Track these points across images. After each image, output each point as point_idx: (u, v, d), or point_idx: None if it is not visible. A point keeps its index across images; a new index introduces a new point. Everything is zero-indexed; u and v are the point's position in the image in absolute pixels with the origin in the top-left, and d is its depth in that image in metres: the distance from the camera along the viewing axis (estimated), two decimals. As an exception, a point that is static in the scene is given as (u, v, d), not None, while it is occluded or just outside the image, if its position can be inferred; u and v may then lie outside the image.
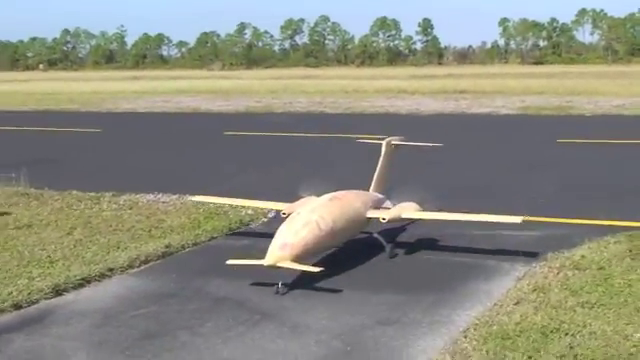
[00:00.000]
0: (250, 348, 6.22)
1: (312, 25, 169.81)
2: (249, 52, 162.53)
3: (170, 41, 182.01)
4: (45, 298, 7.54)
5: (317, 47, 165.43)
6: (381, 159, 10.53)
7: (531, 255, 8.83)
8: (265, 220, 11.02)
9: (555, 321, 6.48)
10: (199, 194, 12.11)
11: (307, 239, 8.10)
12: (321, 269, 7.82)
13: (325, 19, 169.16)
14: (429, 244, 9.45)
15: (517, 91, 41.11)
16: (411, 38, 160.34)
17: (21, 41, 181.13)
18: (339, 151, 19.26)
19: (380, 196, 10.20)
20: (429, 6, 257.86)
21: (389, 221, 9.16)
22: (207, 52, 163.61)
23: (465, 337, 6.26)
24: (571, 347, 5.94)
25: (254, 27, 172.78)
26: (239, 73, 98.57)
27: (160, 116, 32.37)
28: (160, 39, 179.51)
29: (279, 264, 7.69)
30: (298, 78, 68.26)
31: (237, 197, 11.76)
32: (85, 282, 8.01)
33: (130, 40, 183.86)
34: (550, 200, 12.42)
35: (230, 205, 11.09)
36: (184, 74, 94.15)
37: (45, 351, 6.23)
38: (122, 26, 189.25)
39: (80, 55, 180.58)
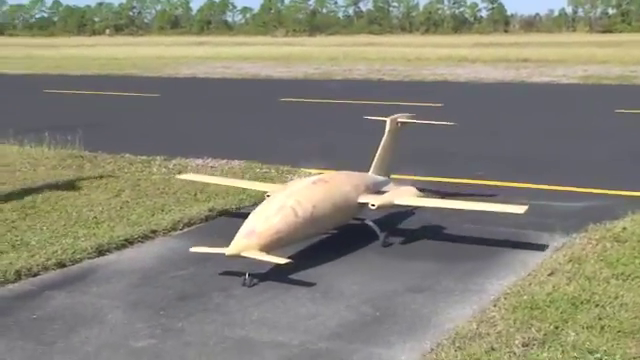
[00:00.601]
0: (280, 311, 6.31)
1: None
2: (313, 19, 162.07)
3: (234, 7, 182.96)
4: (88, 257, 7.70)
5: (381, 14, 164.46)
6: (384, 138, 9.51)
7: (571, 226, 8.74)
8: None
9: (587, 292, 6.42)
10: (246, 159, 12.36)
11: (279, 226, 7.16)
12: (289, 261, 7.02)
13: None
14: (467, 213, 9.04)
15: (581, 60, 40.50)
16: (477, 5, 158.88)
17: (88, 6, 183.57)
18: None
19: (380, 178, 9.28)
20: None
21: (379, 208, 8.22)
22: (271, 18, 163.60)
23: (494, 306, 6.26)
24: (599, 318, 5.89)
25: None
26: (302, 40, 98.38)
27: (219, 82, 32.63)
28: (224, 5, 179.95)
29: (243, 254, 6.90)
30: (361, 45, 68.04)
31: (283, 164, 11.95)
32: (128, 243, 8.14)
33: (195, 6, 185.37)
34: (597, 171, 12.30)
35: (230, 185, 10.31)
36: (248, 40, 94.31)
37: (83, 308, 6.37)
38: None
39: (146, 20, 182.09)
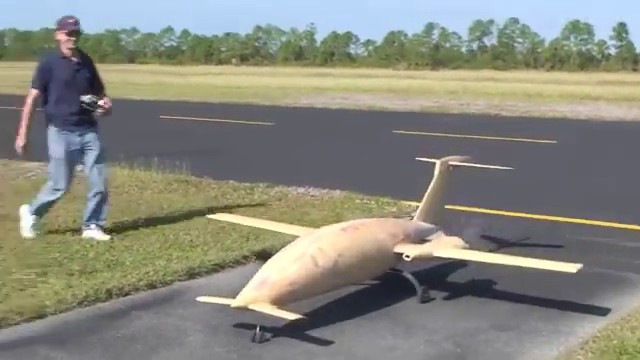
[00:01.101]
0: (361, 341, 6.26)
1: (501, 27, 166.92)
2: (436, 52, 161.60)
3: (358, 40, 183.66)
4: (179, 280, 7.80)
5: (506, 49, 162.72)
6: (433, 181, 8.63)
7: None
8: (408, 219, 11.00)
9: (681, 341, 6.16)
10: (348, 189, 12.36)
11: (295, 277, 6.36)
12: (302, 317, 6.27)
13: (515, 21, 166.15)
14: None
15: None
16: (604, 43, 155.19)
17: (215, 36, 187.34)
18: (503, 153, 18.98)
19: (426, 226, 8.32)
20: (624, 10, 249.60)
21: (415, 259, 7.26)
22: (394, 51, 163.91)
23: (582, 349, 6.05)
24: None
25: (442, 27, 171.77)
26: (423, 73, 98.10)
27: (335, 112, 32.88)
28: (348, 37, 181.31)
29: (251, 306, 6.13)
30: (482, 80, 67.38)
31: (384, 195, 11.90)
32: (219, 267, 8.22)
33: (319, 38, 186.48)
34: None
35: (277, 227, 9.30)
36: (369, 72, 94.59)
37: (167, 329, 6.44)
38: (312, 23, 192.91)
39: (271, 51, 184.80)
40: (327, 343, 6.21)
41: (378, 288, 7.69)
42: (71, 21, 9.13)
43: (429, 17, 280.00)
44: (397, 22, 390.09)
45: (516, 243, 9.62)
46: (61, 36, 9.13)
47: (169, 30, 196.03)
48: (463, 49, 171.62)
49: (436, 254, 7.45)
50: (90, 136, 9.35)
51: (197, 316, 6.83)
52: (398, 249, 7.32)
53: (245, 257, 8.58)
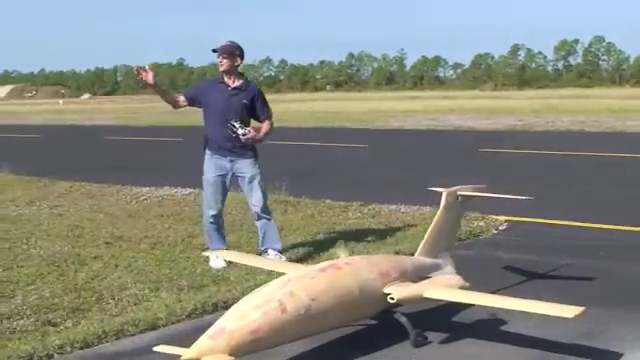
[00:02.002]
0: (448, 352, 6.27)
1: (586, 46, 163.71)
2: (522, 73, 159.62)
3: (446, 63, 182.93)
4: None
5: (591, 67, 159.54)
6: (439, 213, 7.39)
7: None
8: (495, 232, 10.98)
9: None
10: (434, 205, 12.30)
11: (257, 325, 5.39)
12: None
13: (600, 39, 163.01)
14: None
15: None
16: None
17: (311, 64, 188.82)
18: (590, 169, 18.70)
19: (430, 262, 7.18)
20: None
21: (401, 302, 6.25)
22: (481, 73, 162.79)
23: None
24: None
25: (528, 48, 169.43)
26: (509, 93, 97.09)
27: (424, 133, 32.80)
28: (437, 61, 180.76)
29: (205, 358, 5.21)
30: (567, 98, 66.30)
31: (472, 211, 11.82)
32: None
33: (409, 62, 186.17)
34: None
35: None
36: (457, 94, 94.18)
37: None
38: (402, 49, 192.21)
39: (363, 77, 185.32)
40: (409, 352, 6.24)
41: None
42: (224, 44, 8.84)
43: (515, 38, 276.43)
44: (484, 45, 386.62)
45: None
46: (218, 59, 8.87)
47: (268, 61, 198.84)
48: (549, 68, 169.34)
49: (426, 295, 6.33)
50: (242, 163, 9.06)
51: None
52: (388, 289, 6.25)
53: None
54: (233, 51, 8.81)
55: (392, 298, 6.17)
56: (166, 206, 13.41)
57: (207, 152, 9.13)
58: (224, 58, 8.76)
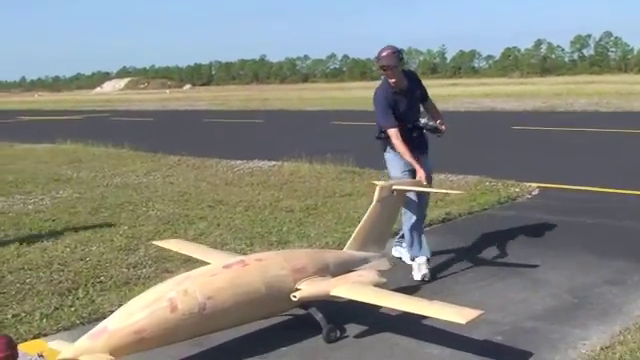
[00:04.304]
0: (496, 296, 6.10)
1: (597, 39, 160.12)
2: (544, 63, 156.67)
3: (480, 55, 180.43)
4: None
5: (601, 57, 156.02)
6: (371, 207, 6.01)
7: None
8: (529, 197, 10.67)
9: None
10: (479, 174, 12.05)
11: (143, 324, 4.37)
12: None
13: (608, 34, 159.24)
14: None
15: None
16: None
17: (369, 59, 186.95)
18: (604, 142, 18.15)
19: (359, 255, 5.84)
20: None
21: (304, 300, 5.04)
22: (509, 64, 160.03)
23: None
24: None
25: (549, 42, 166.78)
26: (534, 80, 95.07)
27: (463, 114, 32.20)
28: (472, 54, 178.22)
29: (82, 358, 4.17)
30: (582, 83, 64.60)
31: (509, 179, 11.56)
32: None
33: (449, 55, 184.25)
34: None
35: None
36: (489, 81, 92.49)
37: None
38: (443, 45, 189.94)
39: (411, 68, 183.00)
40: (471, 295, 6.09)
41: (503, 253, 7.50)
42: (383, 54, 6.49)
43: (538, 34, 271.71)
44: (512, 40, 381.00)
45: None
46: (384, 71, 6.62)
47: (333, 56, 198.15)
48: (566, 59, 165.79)
49: (333, 293, 5.10)
50: (423, 159, 6.79)
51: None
52: (299, 286, 5.10)
53: (395, 234, 8.44)
54: (397, 61, 6.47)
55: (294, 296, 4.97)
56: (256, 176, 13.38)
57: (390, 152, 6.88)
58: (390, 70, 6.49)
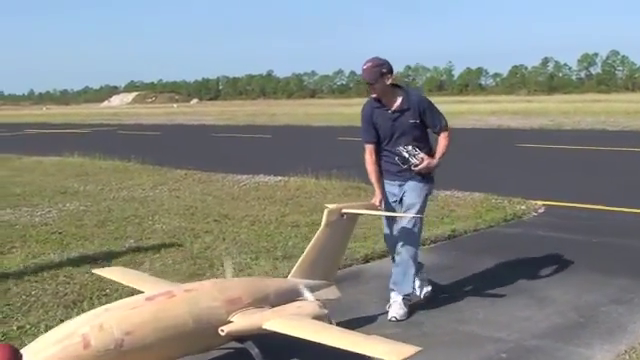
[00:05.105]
0: (501, 313, 6.08)
1: (604, 58, 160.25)
2: (551, 81, 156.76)
3: (487, 73, 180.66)
4: (356, 263, 7.87)
5: (608, 76, 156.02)
6: (319, 232, 5.54)
7: None
8: (535, 214, 10.66)
9: None
10: (484, 192, 12.05)
11: None
12: None
13: (615, 53, 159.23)
14: None
15: None
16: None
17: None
18: (609, 163, 18.12)
19: (304, 283, 5.30)
20: None
21: (232, 334, 4.53)
22: (516, 81, 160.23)
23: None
24: None
25: (555, 61, 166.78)
26: (541, 98, 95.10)
27: (469, 131, 32.19)
28: (479, 72, 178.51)
29: None
30: (589, 102, 64.56)
31: (515, 196, 11.55)
32: (387, 254, 8.17)
33: (456, 72, 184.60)
34: None
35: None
36: (496, 99, 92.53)
37: (349, 300, 6.36)
38: (450, 62, 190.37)
39: (418, 85, 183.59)
40: (476, 313, 6.08)
41: (507, 269, 7.49)
42: (365, 66, 5.92)
43: (545, 52, 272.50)
44: (519, 57, 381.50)
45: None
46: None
47: (340, 72, 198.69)
48: (573, 77, 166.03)
49: (265, 326, 4.58)
50: (408, 185, 6.07)
51: (371, 291, 6.85)
52: (233, 318, 4.62)
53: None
54: (377, 76, 5.86)
55: (222, 330, 4.47)
56: (261, 190, 13.39)
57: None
58: (370, 85, 5.93)
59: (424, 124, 5.99)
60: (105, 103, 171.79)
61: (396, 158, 5.98)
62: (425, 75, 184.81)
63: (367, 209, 5.99)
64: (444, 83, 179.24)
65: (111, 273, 6.04)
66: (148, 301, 4.42)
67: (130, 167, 18.02)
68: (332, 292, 5.60)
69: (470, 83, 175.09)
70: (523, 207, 10.84)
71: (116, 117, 65.91)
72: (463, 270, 7.54)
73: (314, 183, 13.80)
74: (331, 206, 5.57)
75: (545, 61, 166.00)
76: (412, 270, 6.12)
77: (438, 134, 6.07)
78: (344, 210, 5.58)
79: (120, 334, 4.09)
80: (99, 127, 47.39)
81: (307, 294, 5.17)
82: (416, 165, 5.91)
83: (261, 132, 35.07)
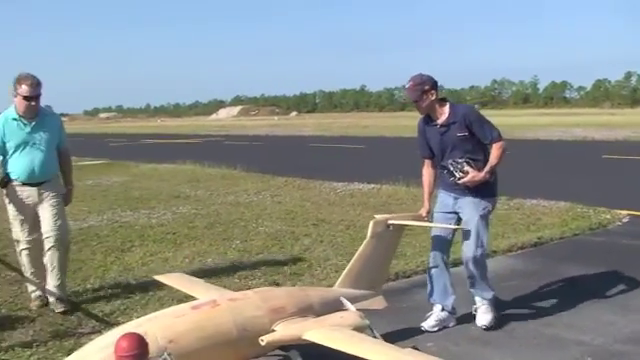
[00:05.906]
0: (585, 318, 5.90)
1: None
2: (634, 94, 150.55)
3: (572, 86, 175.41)
4: (416, 273, 7.52)
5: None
6: (364, 243, 5.33)
7: None
8: (620, 223, 10.26)
9: None
10: (571, 201, 11.68)
11: None
12: None
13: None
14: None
15: None
16: None
17: (463, 88, 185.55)
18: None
19: (352, 293, 5.08)
20: None
21: (273, 344, 4.31)
22: (600, 94, 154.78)
23: None
24: None
25: (638, 75, 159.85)
26: (624, 111, 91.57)
27: (555, 143, 31.36)
28: (564, 85, 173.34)
29: None
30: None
31: (600, 206, 11.15)
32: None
33: (541, 86, 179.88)
34: None
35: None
36: (580, 111, 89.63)
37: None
38: (535, 76, 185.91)
39: (504, 98, 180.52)
40: (561, 317, 5.90)
41: (592, 277, 7.22)
42: (408, 85, 5.62)
43: (628, 66, 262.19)
44: (603, 71, 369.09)
45: None
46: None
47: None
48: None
49: (305, 337, 4.29)
50: (463, 201, 5.67)
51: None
52: (275, 327, 4.38)
53: (494, 252, 8.26)
54: (419, 94, 5.53)
55: (262, 339, 4.19)
56: (356, 197, 13.43)
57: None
58: (416, 103, 5.61)
59: (475, 137, 5.54)
60: (213, 116, 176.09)
61: (445, 172, 5.66)
62: (511, 89, 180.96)
63: (414, 220, 5.72)
64: (529, 96, 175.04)
65: (170, 279, 5.87)
66: (193, 310, 4.24)
67: (236, 174, 18.41)
68: (379, 302, 5.38)
69: (555, 96, 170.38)
70: (608, 216, 10.46)
71: (223, 129, 67.43)
72: (548, 276, 7.34)
73: (405, 191, 13.73)
74: (378, 217, 5.39)
75: (628, 75, 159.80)
76: (485, 273, 5.83)
77: (490, 145, 5.58)
78: (390, 221, 5.40)
79: (164, 342, 3.90)
80: (208, 138, 48.60)
81: (347, 304, 4.86)
82: (460, 178, 5.50)
83: (355, 143, 35.11)
